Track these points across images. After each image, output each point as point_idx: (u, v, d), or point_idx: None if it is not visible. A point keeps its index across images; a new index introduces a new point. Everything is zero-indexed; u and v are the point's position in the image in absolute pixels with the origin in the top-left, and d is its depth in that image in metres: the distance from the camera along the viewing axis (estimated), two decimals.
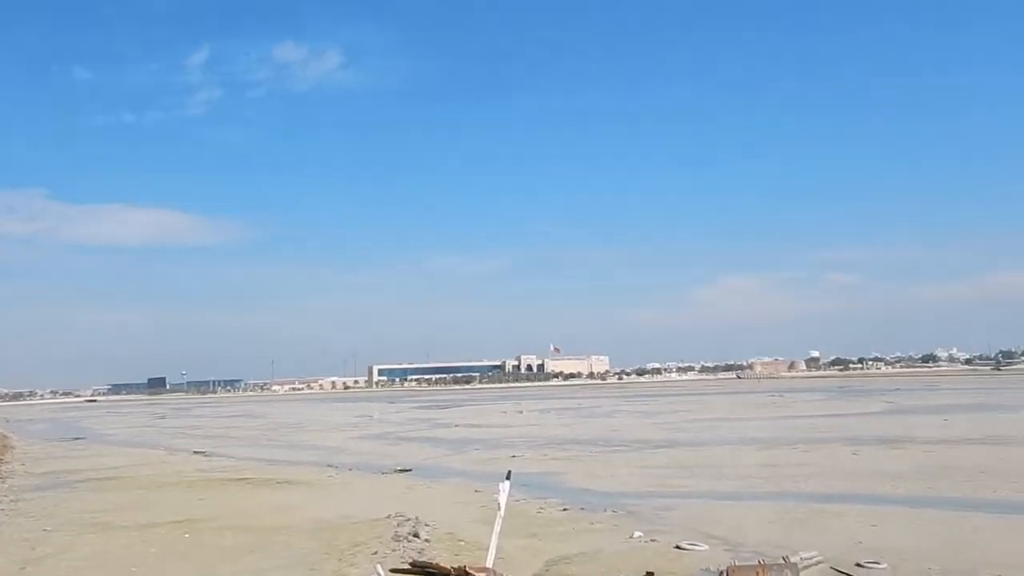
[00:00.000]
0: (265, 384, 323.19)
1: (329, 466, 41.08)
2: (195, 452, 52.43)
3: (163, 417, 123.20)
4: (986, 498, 25.96)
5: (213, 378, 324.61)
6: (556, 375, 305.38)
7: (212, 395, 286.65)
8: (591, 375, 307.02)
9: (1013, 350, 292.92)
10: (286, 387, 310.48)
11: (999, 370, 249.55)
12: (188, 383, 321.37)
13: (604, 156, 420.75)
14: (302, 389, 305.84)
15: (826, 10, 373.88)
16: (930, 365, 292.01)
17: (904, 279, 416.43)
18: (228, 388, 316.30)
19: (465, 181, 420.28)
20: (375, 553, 18.64)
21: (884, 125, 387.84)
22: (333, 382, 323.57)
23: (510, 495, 15.77)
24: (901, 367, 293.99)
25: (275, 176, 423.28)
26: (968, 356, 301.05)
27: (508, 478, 15.94)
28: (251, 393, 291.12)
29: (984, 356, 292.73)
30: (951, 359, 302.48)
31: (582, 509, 25.69)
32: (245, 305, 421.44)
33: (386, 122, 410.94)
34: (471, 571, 13.93)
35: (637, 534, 21.14)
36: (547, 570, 17.49)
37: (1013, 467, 32.53)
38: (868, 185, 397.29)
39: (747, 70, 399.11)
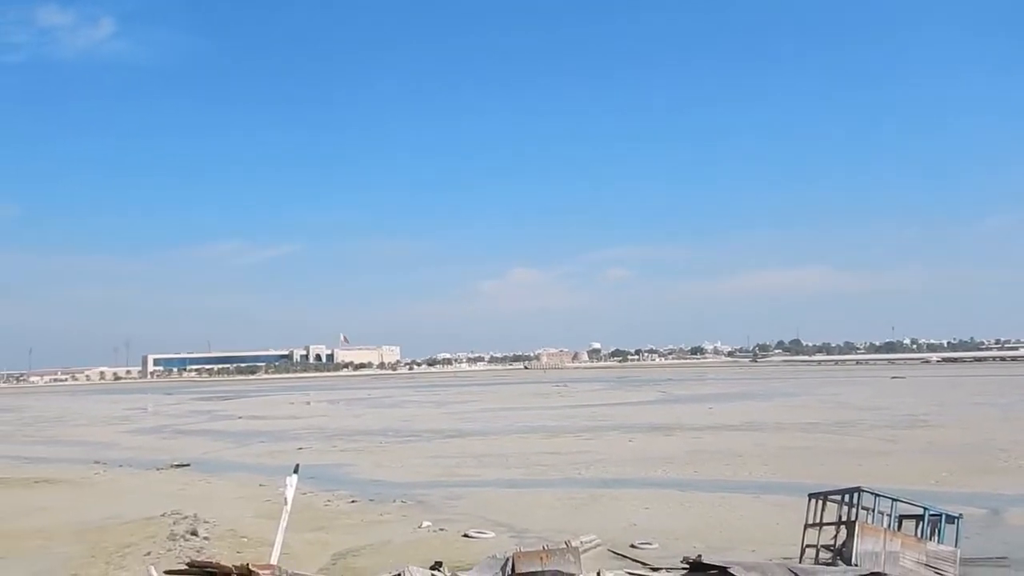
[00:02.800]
0: (21, 375, 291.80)
1: (96, 463, 38.01)
2: None
3: None
4: (744, 480, 28.49)
5: None
6: (346, 365, 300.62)
7: None
8: (382, 365, 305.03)
9: (768, 343, 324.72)
10: (46, 378, 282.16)
11: (756, 362, 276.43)
12: None
13: (400, 154, 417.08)
14: (65, 380, 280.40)
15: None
16: (698, 356, 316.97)
17: (675, 276, 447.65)
18: None
19: (252, 166, 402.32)
20: (148, 554, 17.35)
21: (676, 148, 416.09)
22: (102, 372, 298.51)
23: (297, 488, 15.21)
24: (673, 358, 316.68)
25: (34, 151, 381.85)
26: (730, 349, 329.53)
27: (295, 471, 15.37)
28: (3, 385, 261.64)
29: (744, 349, 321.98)
30: (716, 351, 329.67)
31: (371, 501, 25.41)
32: None
33: (164, 98, 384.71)
34: (254, 569, 13.27)
35: (426, 524, 21.19)
36: (334, 564, 17.10)
37: (766, 451, 35.97)
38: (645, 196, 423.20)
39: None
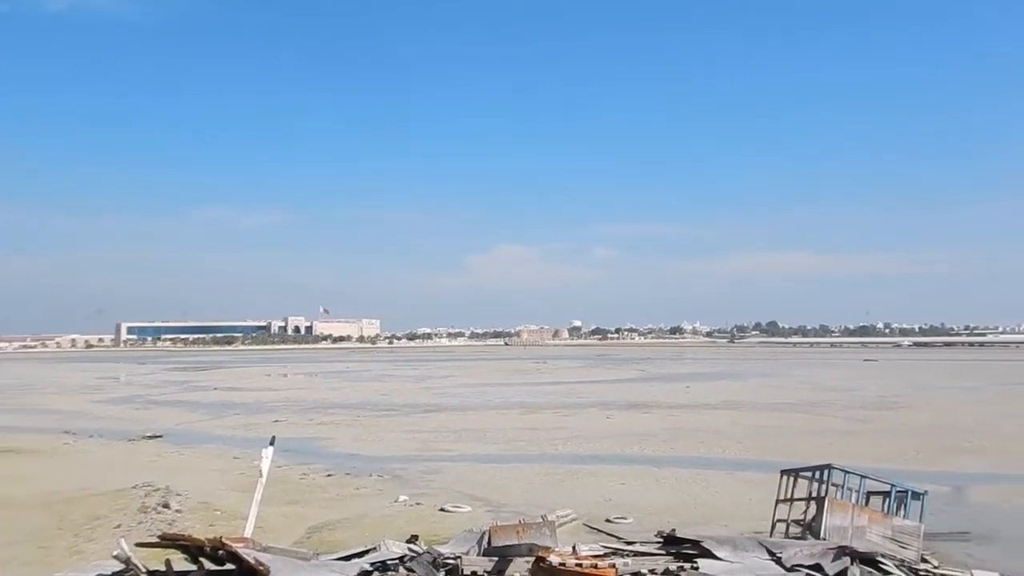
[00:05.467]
0: None
1: (66, 432, 37.61)
2: None
3: None
4: (718, 457, 28.85)
5: None
6: (325, 338, 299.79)
7: None
8: (361, 339, 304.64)
9: (746, 325, 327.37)
10: (15, 344, 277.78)
11: (733, 342, 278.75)
12: None
13: (385, 122, 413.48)
14: (35, 347, 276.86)
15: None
16: (677, 336, 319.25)
17: (658, 256, 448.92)
18: None
19: (232, 128, 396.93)
20: (118, 527, 17.28)
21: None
22: (73, 340, 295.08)
23: (273, 461, 15.20)
24: (652, 337, 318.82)
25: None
26: (709, 329, 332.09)
27: (271, 444, 15.35)
28: None
29: (722, 330, 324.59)
30: (695, 331, 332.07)
31: (347, 474, 25.46)
32: None
33: (153, 56, 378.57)
34: (227, 542, 13.25)
35: (403, 498, 21.29)
36: (309, 537, 17.14)
37: (741, 429, 36.40)
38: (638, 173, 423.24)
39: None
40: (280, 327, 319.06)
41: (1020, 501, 20.98)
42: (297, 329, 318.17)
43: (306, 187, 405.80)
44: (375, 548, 14.03)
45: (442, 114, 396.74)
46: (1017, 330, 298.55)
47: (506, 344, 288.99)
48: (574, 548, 14.02)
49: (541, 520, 14.83)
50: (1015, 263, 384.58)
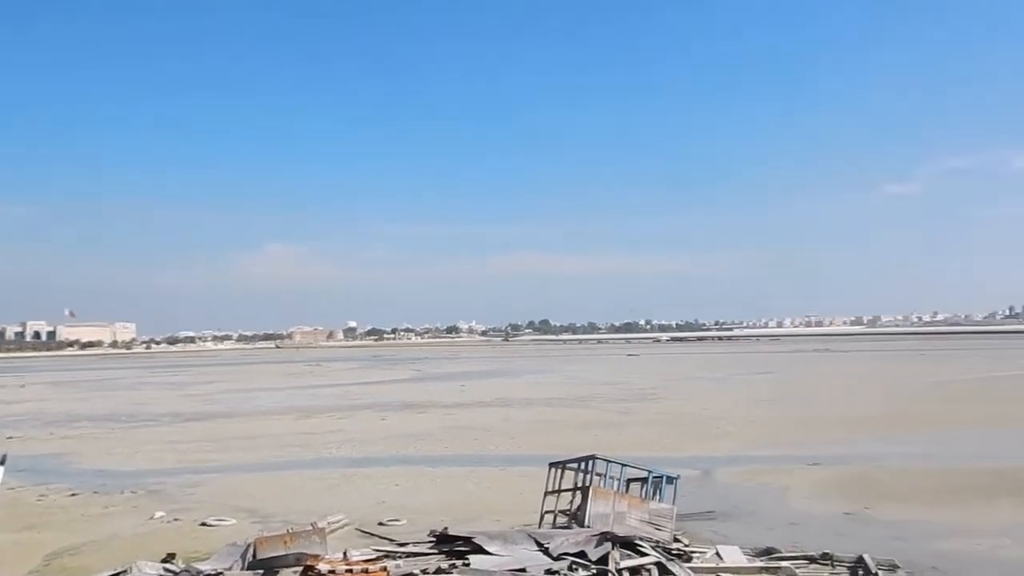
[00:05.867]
0: None
1: None
2: None
3: None
4: (492, 454, 29.45)
5: None
6: (72, 343, 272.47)
7: None
8: (114, 344, 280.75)
9: (520, 324, 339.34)
10: None
11: (508, 341, 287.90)
12: None
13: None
14: None
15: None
16: (453, 336, 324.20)
17: (434, 255, 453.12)
18: None
19: None
20: None
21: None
22: None
23: (3, 483, 13.49)
24: (429, 337, 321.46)
25: None
26: (484, 328, 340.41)
27: (2, 463, 13.63)
28: None
29: (497, 328, 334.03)
30: (471, 331, 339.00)
31: (95, 493, 23.20)
32: None
33: None
34: None
35: (159, 514, 19.72)
36: (47, 565, 15.40)
37: (514, 425, 37.45)
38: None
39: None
40: (17, 332, 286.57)
41: (758, 480, 23.17)
42: (37, 335, 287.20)
43: (47, 176, 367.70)
44: (126, 571, 12.90)
45: None
46: (758, 325, 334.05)
47: (277, 347, 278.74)
48: (345, 554, 13.67)
49: (311, 528, 14.33)
50: (759, 266, 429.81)
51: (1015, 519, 17.59)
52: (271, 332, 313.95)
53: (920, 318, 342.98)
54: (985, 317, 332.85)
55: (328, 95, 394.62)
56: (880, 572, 13.21)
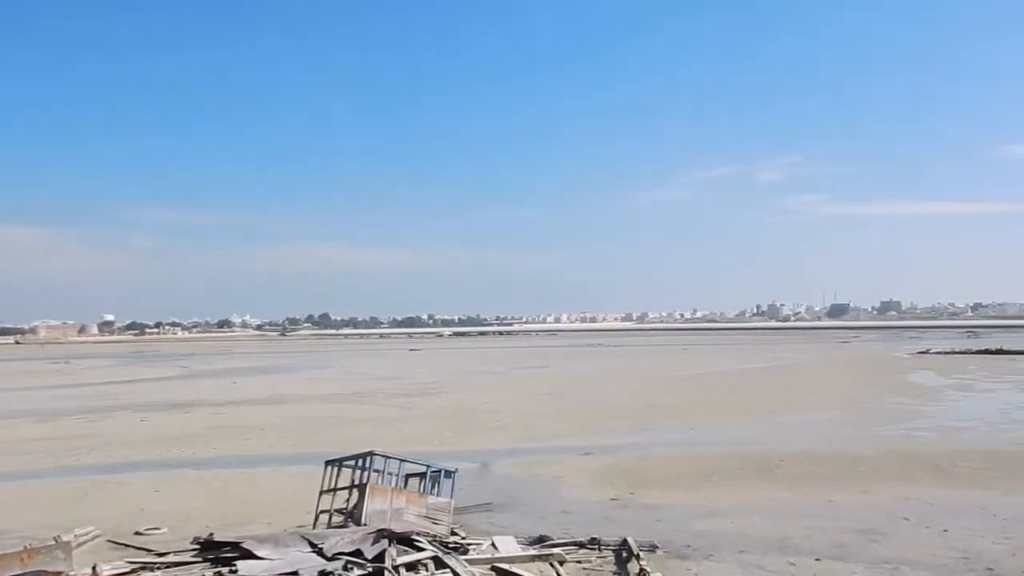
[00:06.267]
0: None
1: None
2: None
3: None
4: (265, 453, 28.19)
5: None
6: None
7: None
8: None
9: (298, 317, 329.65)
10: None
11: (285, 335, 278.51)
12: None
13: None
14: None
15: None
16: (226, 330, 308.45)
17: (204, 245, 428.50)
18: None
19: None
20: None
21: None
22: None
23: None
24: (198, 332, 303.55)
25: None
26: (260, 322, 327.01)
27: None
28: None
29: (274, 322, 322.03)
30: (244, 325, 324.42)
31: None
32: None
33: None
34: None
35: None
36: None
37: (290, 423, 36.15)
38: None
39: None
40: None
41: (534, 471, 23.90)
42: None
43: None
44: None
45: None
46: (537, 320, 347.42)
47: (17, 343, 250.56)
48: (94, 569, 12.49)
49: (53, 542, 12.94)
50: (535, 264, 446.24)
51: (763, 498, 19.38)
52: (9, 326, 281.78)
53: (683, 315, 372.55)
54: (737, 315, 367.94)
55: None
56: (641, 553, 14.01)
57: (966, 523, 16.45)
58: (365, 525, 14.05)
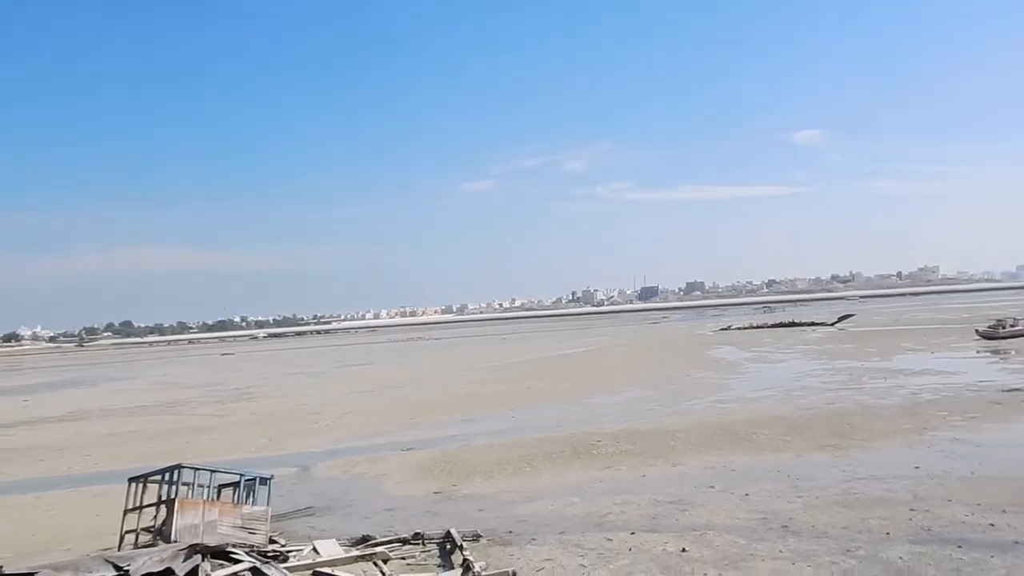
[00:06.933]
0: None
1: None
2: None
3: None
4: (63, 475, 26.03)
5: None
6: None
7: None
8: None
9: (96, 327, 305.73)
10: None
11: (82, 346, 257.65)
12: None
13: None
14: None
15: None
16: (13, 344, 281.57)
17: None
18: None
19: None
20: None
21: None
22: None
23: None
24: None
25: None
26: (53, 334, 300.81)
27: None
28: None
29: (69, 333, 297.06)
30: (35, 337, 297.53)
31: None
32: None
33: None
34: None
35: None
36: None
37: (90, 440, 33.54)
38: None
39: None
40: None
41: (356, 470, 23.53)
42: None
43: None
44: None
45: None
46: (356, 317, 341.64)
47: None
48: None
49: None
50: (355, 261, 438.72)
51: (581, 479, 20.11)
52: None
53: (501, 304, 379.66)
54: (553, 302, 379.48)
55: None
56: (465, 543, 14.17)
57: (764, 486, 17.87)
58: (176, 542, 13.28)
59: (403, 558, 13.96)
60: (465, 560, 13.14)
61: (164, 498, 14.51)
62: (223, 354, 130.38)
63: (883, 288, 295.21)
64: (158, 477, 14.91)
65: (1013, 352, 45.95)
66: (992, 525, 13.99)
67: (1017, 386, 31.14)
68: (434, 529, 15.30)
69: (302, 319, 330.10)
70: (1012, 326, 56.76)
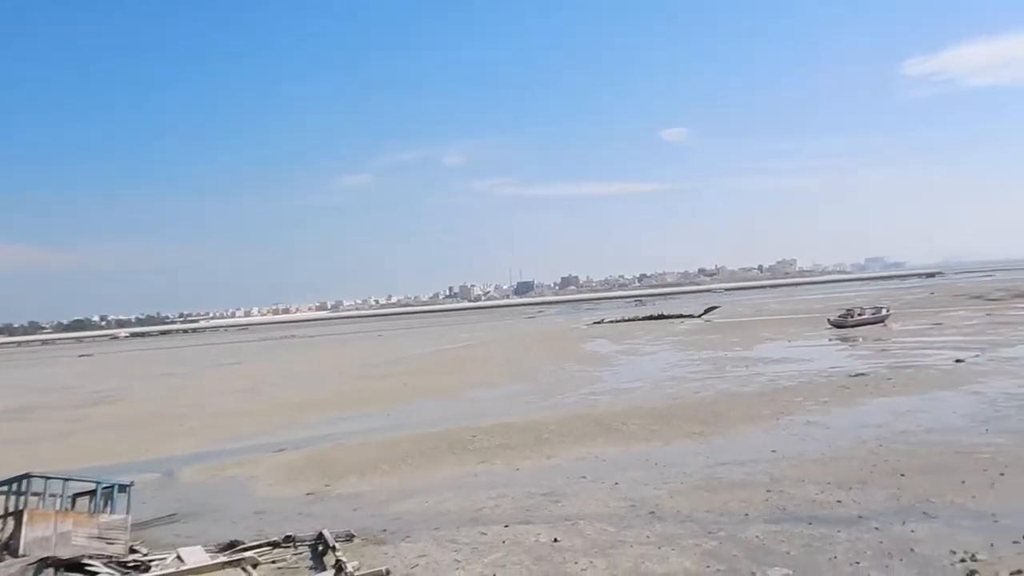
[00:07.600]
0: None
1: None
2: None
3: None
4: None
5: None
6: None
7: None
8: None
9: None
10: None
11: None
12: None
13: None
14: None
15: None
16: None
17: None
18: None
19: None
20: None
21: None
22: None
23: None
24: None
25: None
26: None
27: None
28: None
29: None
30: None
31: None
32: None
33: None
34: None
35: None
36: None
37: None
38: None
39: None
40: None
41: (225, 474, 22.74)
42: None
43: None
44: None
45: None
46: (226, 315, 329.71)
47: None
48: None
49: None
50: (224, 258, 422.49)
51: (455, 474, 20.12)
52: None
53: (377, 301, 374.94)
54: (431, 298, 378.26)
55: None
56: (338, 544, 13.96)
57: (633, 475, 18.44)
58: (24, 556, 12.48)
59: (273, 562, 13.62)
60: (338, 561, 12.95)
61: (11, 510, 13.62)
62: (81, 355, 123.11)
63: (746, 280, 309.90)
64: (4, 488, 13.98)
65: (860, 339, 49.17)
66: (839, 502, 14.96)
67: (862, 371, 33.35)
68: (306, 531, 15.01)
69: (167, 317, 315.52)
70: (859, 315, 60.88)
